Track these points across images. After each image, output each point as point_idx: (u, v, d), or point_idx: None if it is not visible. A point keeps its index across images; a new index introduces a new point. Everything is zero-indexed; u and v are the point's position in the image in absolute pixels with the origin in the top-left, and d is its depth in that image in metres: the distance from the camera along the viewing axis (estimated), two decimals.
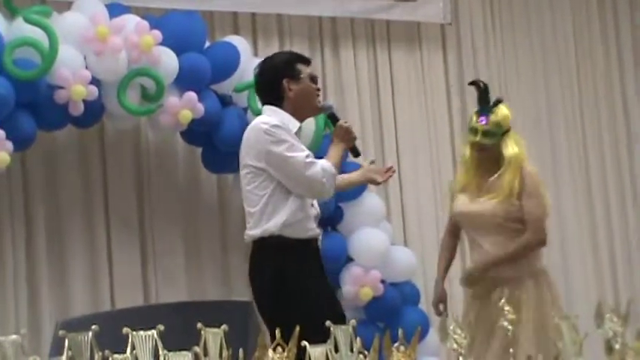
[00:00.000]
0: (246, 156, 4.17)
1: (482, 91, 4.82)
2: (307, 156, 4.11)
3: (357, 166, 4.67)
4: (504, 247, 4.64)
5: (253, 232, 4.14)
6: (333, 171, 4.14)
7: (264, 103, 4.32)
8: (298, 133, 4.23)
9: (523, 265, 4.64)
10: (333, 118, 4.39)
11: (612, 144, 7.42)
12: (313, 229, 4.20)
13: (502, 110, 4.76)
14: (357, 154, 4.44)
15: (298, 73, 4.25)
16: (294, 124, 4.21)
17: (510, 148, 4.70)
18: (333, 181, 4.15)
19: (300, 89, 4.23)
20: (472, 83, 4.95)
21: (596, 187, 7.34)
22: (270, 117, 4.18)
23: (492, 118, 4.72)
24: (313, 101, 4.30)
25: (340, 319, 3.67)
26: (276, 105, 4.23)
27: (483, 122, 4.72)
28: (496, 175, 4.69)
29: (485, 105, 4.77)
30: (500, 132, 4.70)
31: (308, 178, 4.08)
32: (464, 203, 4.76)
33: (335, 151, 4.24)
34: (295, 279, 4.08)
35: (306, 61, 4.34)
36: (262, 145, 4.10)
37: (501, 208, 4.64)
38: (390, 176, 4.49)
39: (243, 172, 4.20)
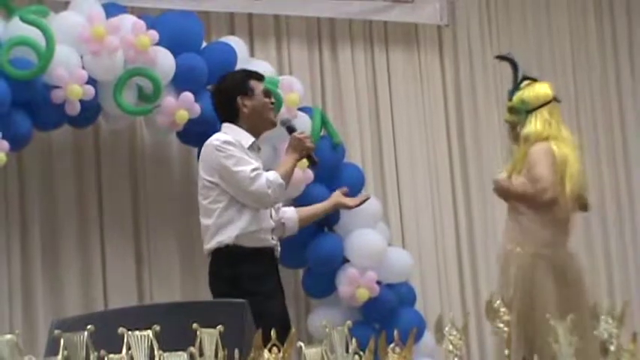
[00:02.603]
0: (201, 170, 4.41)
1: (513, 69, 4.72)
2: (253, 169, 4.30)
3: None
4: (520, 221, 4.55)
5: (210, 244, 4.38)
6: (280, 181, 4.34)
7: (221, 121, 4.51)
8: (253, 146, 4.42)
9: None
10: (290, 131, 4.57)
11: (608, 146, 7.42)
12: (267, 240, 4.41)
13: (531, 87, 4.62)
14: (313, 163, 4.56)
15: (252, 90, 4.45)
16: (247, 139, 4.41)
17: (530, 126, 4.53)
18: (280, 190, 4.35)
19: (254, 105, 4.45)
20: (504, 59, 4.84)
21: (592, 186, 7.32)
22: (225, 134, 4.40)
23: (517, 94, 4.61)
24: (267, 115, 4.50)
25: (285, 327, 3.81)
26: (233, 121, 4.45)
27: (509, 99, 4.64)
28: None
29: (515, 83, 4.67)
30: (524, 109, 4.57)
31: (253, 191, 4.30)
32: None
33: (286, 161, 4.46)
34: (248, 285, 4.25)
35: (260, 78, 4.56)
36: (214, 160, 4.33)
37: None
38: (364, 202, 4.80)
39: (199, 185, 4.43)
